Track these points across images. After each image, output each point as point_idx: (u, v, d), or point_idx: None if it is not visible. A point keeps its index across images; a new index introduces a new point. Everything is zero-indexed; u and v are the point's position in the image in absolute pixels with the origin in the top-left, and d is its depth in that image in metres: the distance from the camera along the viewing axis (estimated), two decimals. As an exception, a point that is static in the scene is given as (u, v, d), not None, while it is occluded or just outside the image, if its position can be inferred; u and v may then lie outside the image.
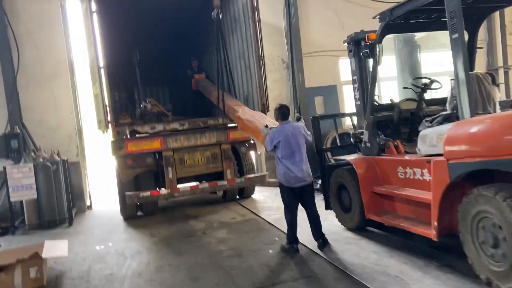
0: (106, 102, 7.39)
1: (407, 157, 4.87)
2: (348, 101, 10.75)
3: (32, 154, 8.43)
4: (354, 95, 5.85)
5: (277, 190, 5.61)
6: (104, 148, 9.76)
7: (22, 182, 7.73)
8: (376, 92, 5.59)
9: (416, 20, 5.18)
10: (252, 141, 8.34)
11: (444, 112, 4.58)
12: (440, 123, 4.46)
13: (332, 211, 6.06)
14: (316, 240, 5.16)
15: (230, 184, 7.99)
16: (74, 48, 9.83)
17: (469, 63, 4.16)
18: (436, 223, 4.06)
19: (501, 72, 11.55)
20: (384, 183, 5.20)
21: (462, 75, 3.88)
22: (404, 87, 5.89)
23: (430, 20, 5.17)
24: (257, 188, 9.22)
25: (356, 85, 5.80)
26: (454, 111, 4.37)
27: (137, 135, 7.84)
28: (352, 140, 6.02)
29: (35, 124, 9.25)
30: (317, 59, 10.69)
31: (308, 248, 5.14)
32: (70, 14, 9.75)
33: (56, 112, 9.43)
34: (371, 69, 5.45)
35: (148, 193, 7.48)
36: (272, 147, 5.12)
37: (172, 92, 13.44)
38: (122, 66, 9.83)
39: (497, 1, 4.81)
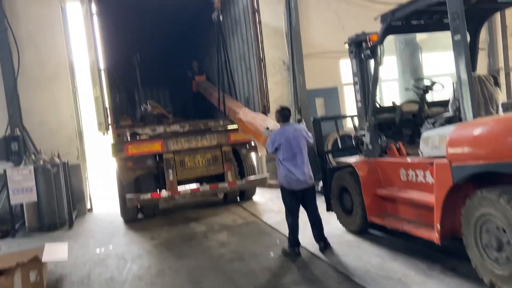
0: (107, 105, 7.38)
1: (409, 159, 4.83)
2: (349, 103, 10.73)
3: (33, 156, 8.40)
4: (355, 96, 5.81)
5: (278, 192, 5.57)
6: (104, 151, 9.73)
7: (22, 185, 7.70)
8: (378, 94, 5.55)
9: (418, 21, 5.15)
10: (253, 143, 8.31)
11: (446, 114, 4.55)
12: (442, 124, 4.43)
13: (333, 213, 6.03)
14: (317, 243, 5.13)
15: (231, 187, 7.96)
16: (75, 50, 9.81)
17: (471, 65, 4.13)
18: (439, 226, 4.02)
19: (502, 73, 11.51)
20: (386, 185, 5.16)
21: (464, 76, 3.85)
22: (406, 89, 5.86)
23: (432, 21, 5.14)
24: (258, 190, 9.19)
25: (357, 87, 5.75)
26: (457, 113, 4.34)
27: (137, 138, 7.82)
28: (353, 142, 5.99)
29: (35, 127, 9.22)
30: (317, 60, 10.67)
31: (310, 251, 5.11)
32: (70, 16, 9.73)
33: (56, 114, 9.41)
34: (372, 71, 5.42)
35: (148, 196, 7.45)
36: (273, 149, 5.09)
37: (172, 94, 13.44)
38: (122, 68, 9.81)
39: (499, 2, 4.77)
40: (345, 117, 8.18)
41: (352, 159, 5.70)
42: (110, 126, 7.41)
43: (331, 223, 5.88)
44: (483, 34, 11.22)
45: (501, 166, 3.42)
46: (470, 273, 3.81)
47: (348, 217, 5.72)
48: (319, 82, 10.71)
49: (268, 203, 8.46)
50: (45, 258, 4.72)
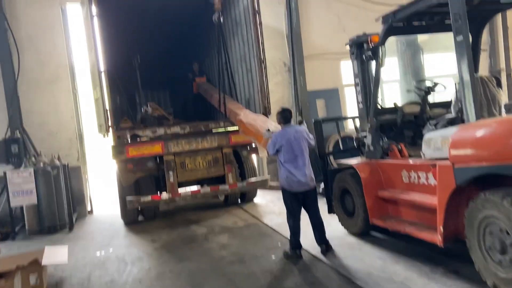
0: (107, 107, 7.36)
1: (411, 161, 4.81)
2: (350, 104, 10.71)
3: (33, 159, 8.38)
4: (357, 98, 5.79)
5: (279, 194, 5.55)
6: (105, 152, 9.71)
7: (23, 187, 7.68)
8: (379, 95, 5.53)
9: (419, 22, 5.13)
10: (254, 145, 8.28)
11: (448, 115, 4.52)
12: (445, 126, 4.41)
13: (334, 215, 5.99)
14: (319, 246, 5.10)
15: (232, 189, 7.93)
16: (75, 51, 9.79)
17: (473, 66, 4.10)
18: (441, 229, 3.99)
19: (503, 74, 11.48)
20: (388, 187, 5.14)
21: (467, 77, 3.82)
22: (407, 90, 5.83)
23: (433, 22, 5.11)
24: (259, 192, 9.16)
25: (358, 88, 5.74)
26: (459, 114, 4.31)
27: (138, 139, 7.80)
28: (355, 143, 5.96)
29: (36, 129, 9.21)
30: (318, 62, 10.65)
31: (311, 254, 5.08)
32: (70, 17, 9.71)
33: (56, 116, 9.40)
34: (373, 72, 5.39)
35: (149, 198, 7.42)
36: (274, 151, 5.06)
37: (173, 95, 13.41)
38: (122, 70, 9.79)
39: (501, 3, 4.74)
40: (346, 118, 8.14)
41: (353, 161, 5.68)
42: (110, 128, 7.38)
43: (332, 225, 5.84)
44: (484, 35, 11.19)
45: (505, 168, 3.39)
46: (473, 276, 3.78)
47: (349, 219, 5.69)
48: (320, 83, 10.69)
49: (269, 205, 8.43)
50: (45, 261, 4.69)
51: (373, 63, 5.39)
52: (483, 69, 11.19)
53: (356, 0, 10.80)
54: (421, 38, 9.53)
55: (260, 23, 8.03)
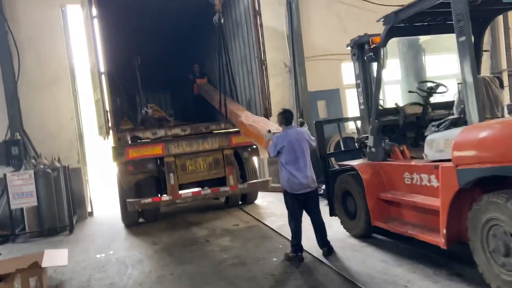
0: (107, 108, 7.33)
1: (413, 162, 4.77)
2: (351, 105, 10.67)
3: (33, 160, 8.36)
4: (358, 99, 5.76)
5: (280, 196, 5.52)
6: (105, 154, 9.69)
7: (23, 189, 7.66)
8: (381, 96, 5.50)
9: (421, 23, 5.10)
10: (254, 146, 8.25)
11: (451, 117, 4.48)
12: (447, 127, 4.37)
13: (336, 217, 5.96)
14: (321, 248, 5.06)
15: (233, 190, 7.90)
16: (75, 53, 9.80)
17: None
18: (444, 231, 3.95)
19: (505, 75, 11.44)
20: (390, 189, 5.10)
21: (470, 78, 3.79)
22: (409, 91, 5.79)
23: (435, 23, 5.09)
24: (260, 194, 9.13)
25: (360, 89, 5.70)
26: (462, 116, 4.28)
27: (138, 141, 7.77)
28: (356, 145, 5.92)
29: (36, 130, 9.18)
30: (319, 63, 10.62)
31: (313, 256, 5.04)
32: (71, 19, 9.72)
33: (57, 118, 9.38)
34: (375, 73, 5.36)
35: (149, 200, 7.39)
36: (276, 153, 5.03)
37: (173, 97, 13.39)
38: (123, 71, 9.77)
39: (504, 3, 4.71)
40: (348, 119, 8.10)
41: (355, 162, 5.64)
42: (110, 130, 7.35)
43: (334, 226, 5.81)
44: (486, 36, 11.18)
45: (509, 169, 3.35)
46: (477, 279, 3.74)
47: (351, 221, 5.65)
48: (321, 84, 10.67)
49: (270, 207, 8.40)
50: (45, 263, 4.66)
51: (375, 64, 5.36)
52: (485, 70, 11.15)
53: (357, 1, 10.77)
54: (423, 39, 9.50)
55: (261, 24, 8.01)
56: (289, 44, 10.43)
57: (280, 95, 10.42)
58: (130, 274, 5.21)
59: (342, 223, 5.86)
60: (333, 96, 10.86)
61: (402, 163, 4.93)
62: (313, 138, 5.23)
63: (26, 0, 9.23)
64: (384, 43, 4.96)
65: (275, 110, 6.71)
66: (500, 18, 11.21)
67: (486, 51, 5.48)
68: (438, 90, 5.36)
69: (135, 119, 10.08)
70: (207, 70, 11.20)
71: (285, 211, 5.21)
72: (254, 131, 6.55)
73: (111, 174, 9.28)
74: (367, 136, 5.46)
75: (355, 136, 6.11)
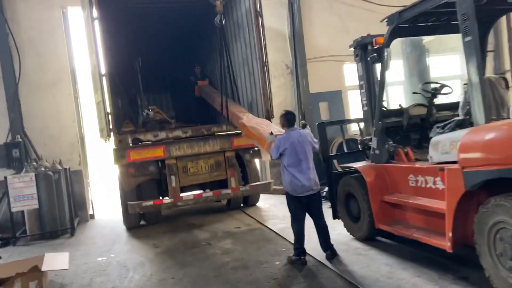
0: (108, 110, 7.31)
1: (418, 164, 4.70)
2: (353, 107, 10.63)
3: (34, 163, 8.32)
4: (361, 100, 5.69)
5: (282, 198, 5.46)
6: (106, 156, 9.66)
7: (24, 192, 7.63)
8: (384, 98, 5.44)
9: (425, 23, 5.04)
10: (256, 148, 8.20)
11: (456, 118, 4.42)
12: (453, 129, 4.31)
13: (339, 220, 5.89)
14: (324, 252, 5.00)
15: (235, 193, 7.84)
16: (76, 55, 9.76)
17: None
18: (450, 234, 3.89)
19: (508, 75, 11.38)
20: (394, 191, 5.03)
21: (475, 79, 3.73)
22: (413, 92, 5.73)
23: (440, 23, 5.03)
24: (262, 196, 9.08)
25: (363, 91, 5.63)
26: (467, 117, 4.22)
27: (139, 143, 7.73)
28: (359, 147, 5.86)
29: (37, 133, 9.16)
30: (321, 64, 10.57)
31: (316, 259, 4.97)
32: (71, 21, 9.69)
33: (58, 120, 9.35)
34: (378, 74, 5.30)
35: (151, 203, 7.34)
36: (278, 155, 4.98)
37: (175, 99, 13.37)
38: (124, 73, 9.76)
39: (509, 3, 4.66)
40: (351, 121, 8.04)
41: (358, 165, 5.57)
42: (111, 132, 7.33)
43: (337, 229, 5.76)
44: (489, 37, 11.13)
45: (516, 172, 3.29)
46: (483, 283, 3.68)
47: (355, 224, 5.59)
48: (323, 85, 10.62)
49: (273, 209, 8.34)
50: (45, 267, 4.61)
51: (378, 65, 5.30)
52: (488, 71, 11.09)
53: (359, 1, 10.73)
54: (427, 39, 9.46)
55: (262, 26, 7.97)
56: (290, 46, 10.39)
57: (282, 97, 10.38)
58: (132, 278, 5.16)
59: (345, 226, 5.80)
60: (335, 98, 10.81)
61: (406, 165, 4.87)
62: (316, 140, 5.19)
63: (27, 1, 9.22)
64: (387, 44, 4.90)
65: (277, 112, 6.66)
66: (503, 18, 11.14)
67: (491, 51, 5.42)
68: (442, 91, 5.29)
69: (137, 121, 10.05)
70: (208, 71, 11.17)
71: (287, 214, 5.16)
72: (256, 133, 6.51)
73: (112, 177, 9.23)
74: (371, 138, 5.39)
75: (358, 137, 6.05)
